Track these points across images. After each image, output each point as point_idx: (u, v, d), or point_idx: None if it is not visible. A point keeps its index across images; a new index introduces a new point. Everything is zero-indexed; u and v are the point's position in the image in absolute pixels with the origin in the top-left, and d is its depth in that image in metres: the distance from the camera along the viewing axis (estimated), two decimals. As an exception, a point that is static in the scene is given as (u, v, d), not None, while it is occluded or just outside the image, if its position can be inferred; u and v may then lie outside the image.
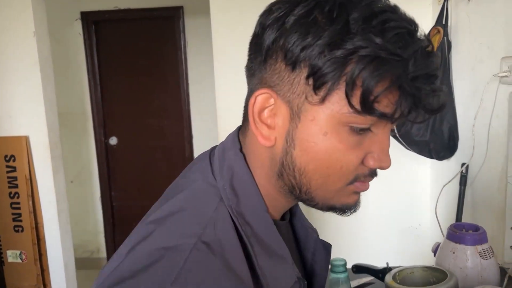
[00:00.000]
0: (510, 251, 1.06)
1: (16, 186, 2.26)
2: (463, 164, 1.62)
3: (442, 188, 1.74)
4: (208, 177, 0.55)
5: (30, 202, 2.26)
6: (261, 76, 0.52)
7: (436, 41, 1.63)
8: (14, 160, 2.25)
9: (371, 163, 0.51)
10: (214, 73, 2.01)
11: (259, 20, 0.52)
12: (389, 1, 0.49)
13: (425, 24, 1.71)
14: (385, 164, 0.51)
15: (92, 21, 3.31)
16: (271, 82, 0.51)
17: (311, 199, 0.54)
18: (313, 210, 0.56)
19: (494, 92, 1.36)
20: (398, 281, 0.98)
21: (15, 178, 2.25)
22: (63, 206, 2.36)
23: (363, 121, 0.48)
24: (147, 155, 3.46)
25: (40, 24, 2.22)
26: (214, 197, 0.53)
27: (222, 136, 0.60)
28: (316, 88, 0.47)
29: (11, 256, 2.31)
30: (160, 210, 0.53)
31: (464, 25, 1.64)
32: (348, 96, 0.46)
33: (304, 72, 0.48)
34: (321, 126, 0.49)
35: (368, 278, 1.25)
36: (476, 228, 1.08)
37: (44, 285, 2.33)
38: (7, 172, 2.26)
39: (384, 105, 0.47)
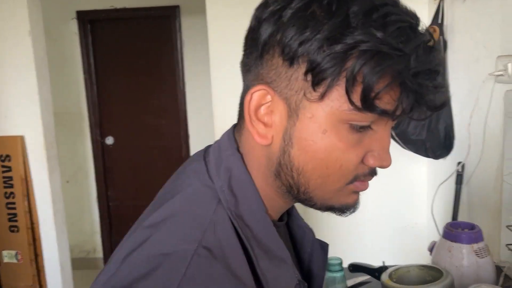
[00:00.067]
0: (506, 249, 1.06)
1: (12, 186, 2.25)
2: (459, 163, 1.63)
3: (438, 187, 1.74)
4: (205, 178, 0.53)
5: (26, 202, 2.25)
6: (257, 72, 0.50)
7: (432, 40, 1.63)
8: (9, 160, 2.24)
9: (371, 162, 0.50)
10: (210, 72, 2.01)
11: (254, 13, 0.50)
12: None
13: (421, 23, 1.71)
14: (386, 162, 0.50)
15: (88, 20, 3.30)
16: (267, 78, 0.49)
17: (310, 199, 0.52)
18: (310, 208, 0.55)
19: (489, 91, 1.37)
20: (394, 280, 0.98)
21: (11, 178, 2.24)
22: (59, 206, 2.35)
23: (363, 118, 0.47)
24: (143, 155, 3.46)
25: (35, 23, 2.21)
26: (212, 199, 0.51)
27: (219, 136, 0.59)
28: (315, 84, 0.46)
29: (7, 256, 2.30)
30: (155, 214, 0.51)
31: (460, 24, 1.64)
32: (348, 93, 0.45)
33: (302, 67, 0.46)
34: (320, 123, 0.47)
35: (364, 277, 1.25)
36: (472, 227, 1.09)
37: (40, 285, 2.32)
38: (3, 172, 2.25)
39: (385, 102, 0.45)
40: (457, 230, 1.07)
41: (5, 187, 2.25)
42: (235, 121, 0.57)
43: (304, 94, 0.47)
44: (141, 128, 3.43)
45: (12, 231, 2.27)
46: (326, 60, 0.44)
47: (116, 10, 3.24)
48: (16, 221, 2.26)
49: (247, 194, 0.53)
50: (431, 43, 0.46)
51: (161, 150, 3.44)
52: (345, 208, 0.53)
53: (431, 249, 1.15)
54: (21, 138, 2.23)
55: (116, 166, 3.47)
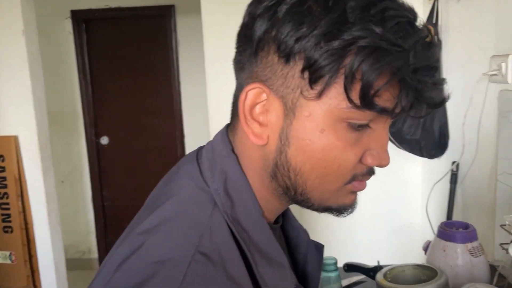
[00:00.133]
0: (500, 248, 1.07)
1: (5, 187, 2.23)
2: (453, 163, 1.63)
3: (433, 187, 1.75)
4: (199, 181, 0.51)
5: (20, 203, 2.23)
6: (251, 70, 0.48)
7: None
8: (3, 160, 2.22)
9: (369, 161, 0.49)
10: (205, 72, 2.01)
11: (248, 9, 0.48)
12: None
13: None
14: (385, 161, 0.49)
15: (83, 20, 3.28)
16: (262, 76, 0.47)
17: (307, 200, 0.51)
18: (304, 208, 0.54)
19: (484, 91, 1.37)
20: (389, 279, 0.98)
21: (4, 178, 2.23)
22: (53, 207, 2.34)
23: (362, 116, 0.45)
24: (138, 155, 3.45)
25: (29, 22, 2.19)
26: (207, 203, 0.49)
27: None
28: (312, 82, 0.44)
29: (1, 257, 2.28)
30: (148, 220, 0.48)
31: (454, 24, 1.65)
32: (347, 91, 0.43)
33: (299, 65, 0.45)
34: (318, 122, 0.46)
35: (359, 277, 1.25)
36: (466, 226, 1.09)
37: (35, 286, 2.31)
38: (-4, 172, 2.23)
39: (385, 99, 0.44)
40: (451, 230, 1.08)
41: (-2, 187, 2.24)
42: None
43: (301, 92, 0.46)
44: (136, 128, 3.41)
45: (6, 232, 2.26)
46: (324, 57, 0.43)
47: (111, 10, 3.23)
48: (10, 221, 2.25)
49: (244, 197, 0.51)
50: (428, 39, 0.45)
51: (156, 150, 3.43)
52: (342, 208, 0.52)
53: (425, 249, 1.15)
54: (15, 138, 2.22)
55: (111, 166, 3.46)
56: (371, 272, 1.20)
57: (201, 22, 1.97)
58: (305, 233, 0.65)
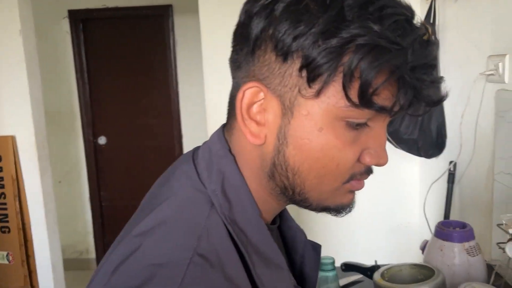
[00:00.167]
0: (497, 248, 1.07)
1: (3, 187, 2.22)
2: (451, 162, 1.64)
3: (430, 186, 1.75)
4: (195, 182, 0.50)
5: (17, 203, 2.23)
6: (248, 69, 0.48)
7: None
8: (0, 160, 2.22)
9: (367, 160, 0.49)
10: (203, 71, 2.01)
11: (244, 7, 0.48)
12: None
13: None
14: (383, 160, 0.49)
15: (80, 20, 3.28)
16: (260, 75, 0.47)
17: (305, 200, 0.50)
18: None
19: (481, 91, 1.38)
20: (386, 279, 0.98)
21: (1, 179, 2.22)
22: (51, 207, 2.34)
23: (360, 115, 0.45)
24: (136, 155, 3.44)
25: (26, 22, 2.19)
26: (204, 204, 0.49)
27: (212, 135, 0.57)
28: (310, 80, 0.44)
29: (-2, 257, 2.28)
30: (145, 222, 0.48)
31: (452, 24, 1.65)
32: (345, 89, 0.43)
33: (296, 63, 0.44)
34: (316, 121, 0.45)
35: (357, 276, 1.25)
36: (463, 226, 1.10)
37: (32, 286, 2.30)
38: (-7, 172, 2.23)
39: (383, 97, 0.44)
40: (448, 229, 1.08)
41: (-4, 187, 2.23)
42: (228, 120, 0.56)
43: (299, 91, 0.45)
44: (134, 128, 3.41)
45: (3, 232, 2.25)
46: (322, 55, 0.43)
47: (108, 9, 3.22)
48: (7, 221, 2.24)
49: (241, 197, 0.50)
50: (426, 37, 0.45)
51: (154, 150, 3.42)
52: (341, 208, 0.52)
53: (423, 248, 1.16)
54: (12, 138, 2.21)
55: (109, 166, 3.46)
56: (368, 271, 1.21)
57: (199, 22, 1.97)
58: (302, 233, 0.64)
